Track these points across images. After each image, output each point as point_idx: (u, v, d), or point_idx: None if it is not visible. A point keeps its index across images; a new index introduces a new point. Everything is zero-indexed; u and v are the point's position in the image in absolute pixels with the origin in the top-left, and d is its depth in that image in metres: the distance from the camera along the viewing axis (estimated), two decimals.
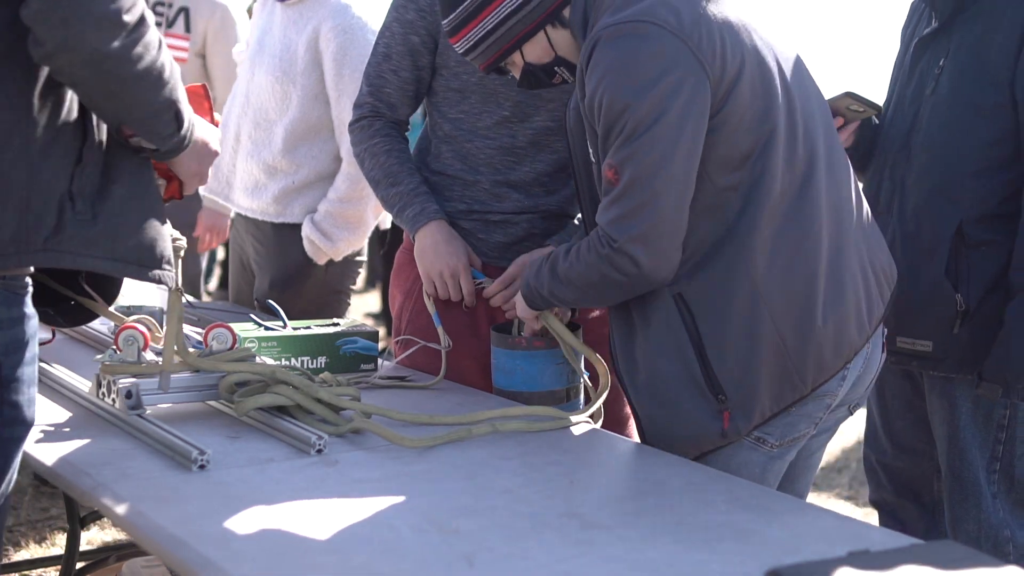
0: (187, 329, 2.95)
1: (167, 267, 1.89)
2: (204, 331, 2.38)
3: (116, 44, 1.67)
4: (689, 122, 2.00)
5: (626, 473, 2.14)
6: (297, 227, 3.43)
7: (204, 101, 2.10)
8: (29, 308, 1.76)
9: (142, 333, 2.28)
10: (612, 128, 2.03)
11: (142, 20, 1.71)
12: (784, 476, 2.26)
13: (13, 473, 1.81)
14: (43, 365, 2.44)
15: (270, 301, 2.87)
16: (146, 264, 1.85)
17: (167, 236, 1.89)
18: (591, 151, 2.17)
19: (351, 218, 3.40)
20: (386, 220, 4.42)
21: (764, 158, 2.06)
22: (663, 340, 2.13)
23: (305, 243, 3.41)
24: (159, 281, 1.87)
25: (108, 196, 1.80)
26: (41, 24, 1.64)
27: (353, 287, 3.63)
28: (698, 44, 2.01)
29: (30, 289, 1.77)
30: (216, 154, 2.04)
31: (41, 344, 2.59)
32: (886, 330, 2.28)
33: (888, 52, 2.94)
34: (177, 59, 4.04)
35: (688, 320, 2.10)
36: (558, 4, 2.22)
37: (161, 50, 1.77)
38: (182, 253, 2.11)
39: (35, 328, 1.78)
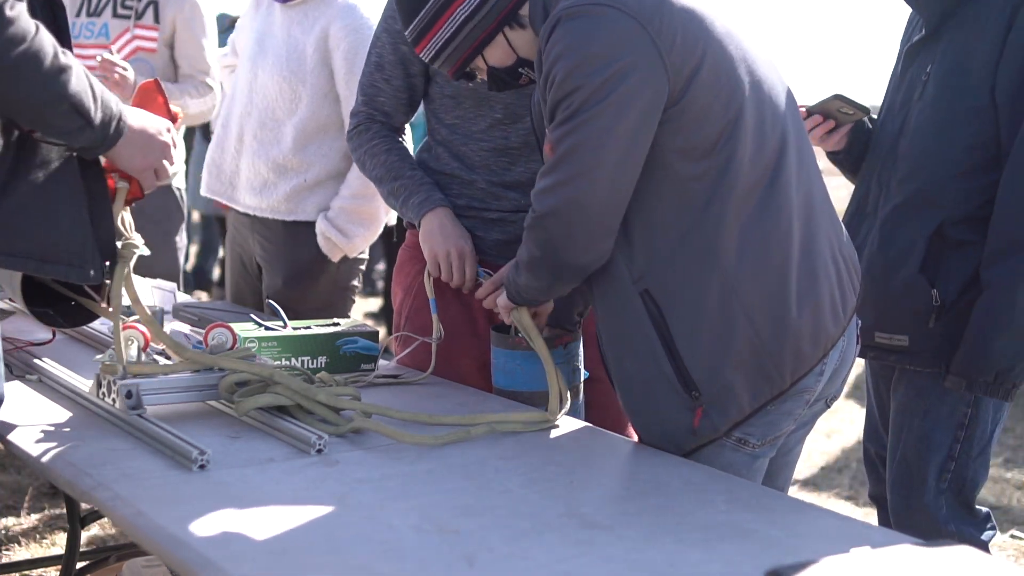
0: (187, 329, 2.95)
1: (77, 263, 1.91)
2: (204, 331, 2.38)
3: None
4: (634, 107, 1.99)
5: (626, 473, 2.14)
6: (309, 225, 3.45)
7: (157, 95, 2.11)
8: None
9: (142, 333, 2.28)
10: (559, 104, 2.03)
11: (1, 9, 1.71)
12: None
13: None
14: (43, 364, 2.45)
15: (270, 301, 2.87)
16: (49, 260, 1.87)
17: (82, 233, 1.89)
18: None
19: (365, 214, 3.42)
20: (391, 218, 4.43)
21: (730, 148, 2.04)
22: (633, 337, 2.12)
23: (320, 240, 3.43)
24: (65, 277, 1.89)
25: (11, 192, 1.81)
26: None
27: (356, 285, 3.64)
28: (657, 30, 2.00)
29: None
30: (168, 145, 2.04)
31: (41, 344, 2.61)
32: (859, 322, 2.29)
33: (878, 57, 2.98)
34: (146, 49, 4.03)
35: (656, 316, 2.08)
36: (512, 6, 2.22)
37: (35, 42, 1.76)
38: (135, 251, 2.10)
39: None
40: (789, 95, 2.20)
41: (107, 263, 1.99)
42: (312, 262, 3.48)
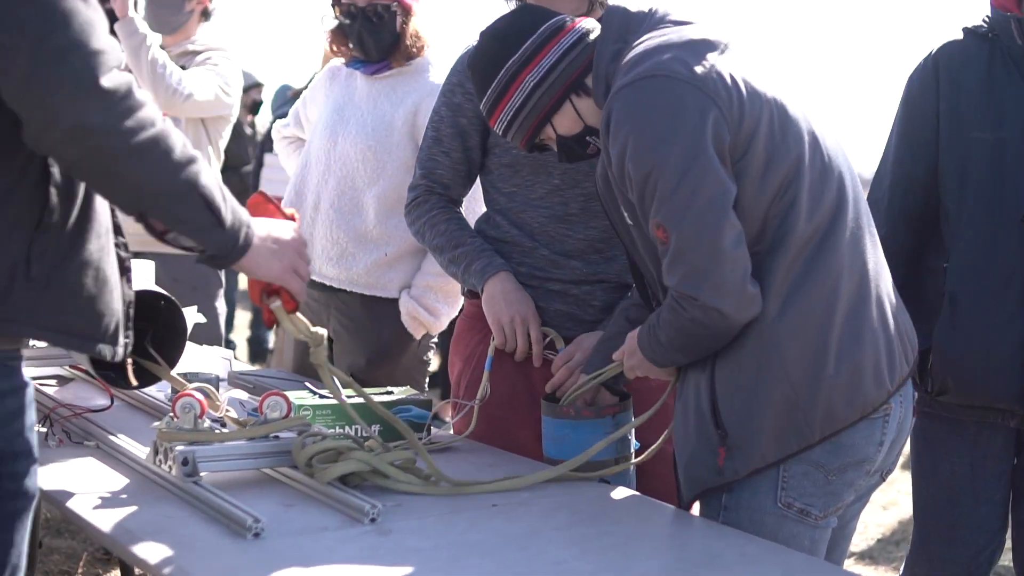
0: (243, 396, 2.97)
1: (111, 343, 1.85)
2: (260, 399, 2.39)
3: (99, 116, 1.66)
4: (714, 161, 2.02)
5: (680, 544, 2.12)
6: (390, 301, 3.43)
7: (267, 204, 2.07)
8: (21, 378, 1.77)
9: (199, 401, 2.31)
10: (644, 189, 2.07)
11: (129, 92, 1.70)
12: None
13: (22, 547, 1.79)
14: (101, 431, 2.47)
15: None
16: (90, 337, 1.83)
17: (117, 310, 1.85)
18: (626, 214, 2.19)
19: (450, 291, 3.40)
20: None
21: (786, 203, 2.07)
22: (691, 370, 2.19)
23: (406, 319, 3.40)
24: (100, 355, 1.84)
25: (68, 263, 1.78)
26: (22, 107, 1.65)
27: (431, 357, 3.61)
28: (714, 91, 2.04)
29: (23, 358, 1.79)
30: (302, 242, 2.01)
31: (99, 411, 2.64)
32: (916, 394, 2.28)
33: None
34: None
35: (711, 355, 2.14)
36: (579, 73, 2.26)
37: (163, 127, 1.74)
38: (323, 345, 2.15)
39: (31, 397, 1.78)
40: (846, 159, 2.21)
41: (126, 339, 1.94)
42: (396, 340, 3.45)
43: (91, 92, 1.66)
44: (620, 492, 2.31)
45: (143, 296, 2.32)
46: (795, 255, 2.08)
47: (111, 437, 2.43)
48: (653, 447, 2.44)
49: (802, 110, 2.15)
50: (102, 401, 2.72)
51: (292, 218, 2.07)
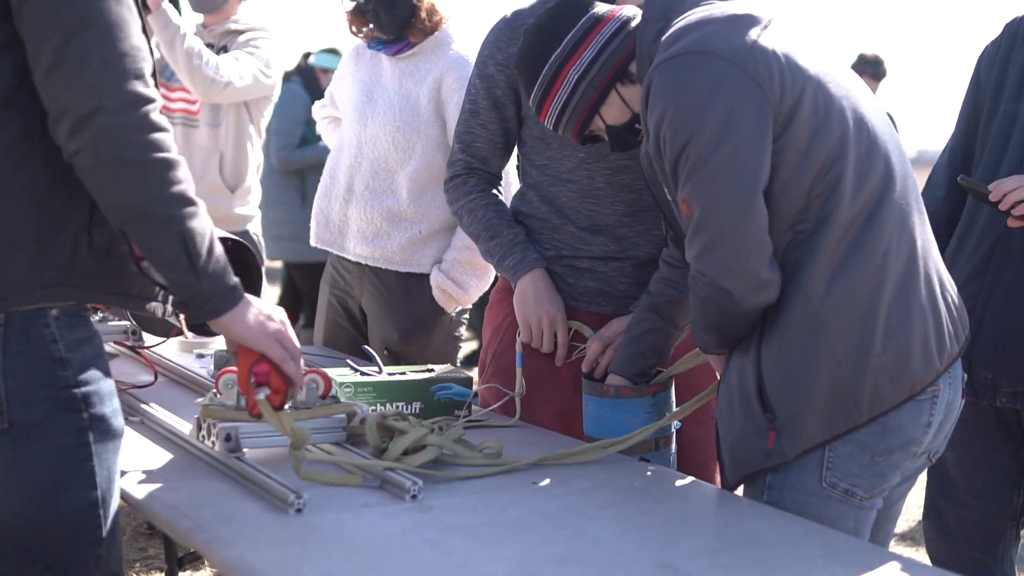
0: None
1: (162, 301, 1.94)
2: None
3: (106, 119, 1.71)
4: (751, 144, 2.02)
5: (721, 524, 2.11)
6: (423, 276, 3.47)
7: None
8: (92, 327, 1.87)
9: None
10: (678, 161, 2.06)
11: (146, 108, 1.74)
12: None
13: (117, 481, 1.91)
14: (145, 407, 2.50)
15: (366, 347, 2.90)
16: (146, 297, 1.92)
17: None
18: (666, 191, 2.19)
19: (478, 264, 3.43)
20: None
21: (831, 182, 2.06)
22: (739, 351, 2.18)
23: (435, 292, 3.45)
24: (153, 312, 1.94)
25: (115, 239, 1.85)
26: (42, 96, 1.73)
27: (463, 333, 3.66)
28: (754, 68, 2.03)
29: (91, 310, 1.87)
30: (287, 325, 1.99)
31: (143, 387, 2.66)
32: (966, 375, 2.25)
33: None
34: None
35: (756, 335, 2.13)
36: (622, 62, 2.26)
37: (174, 158, 1.78)
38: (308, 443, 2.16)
39: (100, 345, 1.87)
40: (893, 135, 2.19)
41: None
42: (428, 314, 3.49)
43: (104, 94, 1.72)
44: (661, 471, 2.30)
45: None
46: (841, 233, 2.06)
47: (155, 413, 2.45)
48: (683, 407, 2.46)
49: (846, 86, 2.13)
50: (146, 377, 2.74)
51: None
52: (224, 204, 4.44)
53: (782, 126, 2.04)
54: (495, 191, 2.82)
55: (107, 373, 1.88)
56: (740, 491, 2.24)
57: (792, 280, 2.09)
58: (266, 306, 1.97)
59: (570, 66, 2.27)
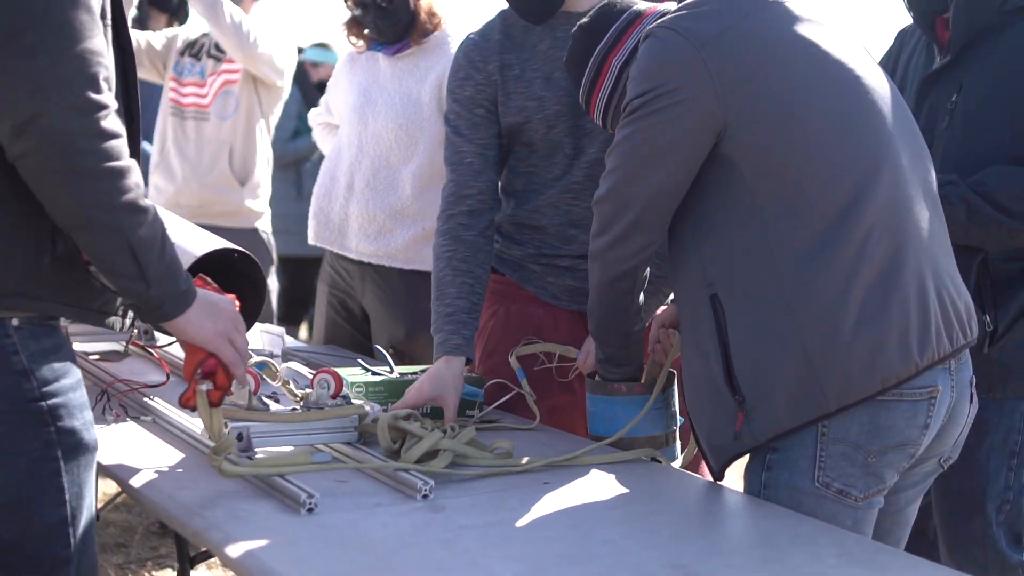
0: (301, 368, 2.99)
1: (120, 315, 1.92)
2: (312, 375, 2.41)
3: (52, 120, 1.66)
4: (677, 124, 2.09)
5: (731, 524, 2.11)
6: (426, 274, 3.46)
7: (206, 286, 2.03)
8: (61, 336, 1.83)
9: (254, 376, 2.32)
10: (625, 109, 2.17)
11: (97, 112, 1.69)
12: (874, 532, 2.21)
13: (92, 498, 1.86)
14: (157, 406, 2.50)
15: (378, 347, 2.90)
16: (103, 312, 1.89)
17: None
18: None
19: None
20: None
21: (798, 168, 2.06)
22: (699, 339, 2.17)
23: None
24: (111, 327, 1.91)
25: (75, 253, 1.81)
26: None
27: None
28: (709, 54, 2.07)
29: (61, 320, 1.84)
30: (238, 318, 1.98)
31: (155, 386, 2.67)
32: (974, 379, 2.23)
33: None
34: (231, 81, 4.47)
35: (720, 319, 2.12)
36: None
37: (126, 164, 1.73)
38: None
39: (71, 354, 1.84)
40: (904, 123, 2.17)
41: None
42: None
43: (49, 96, 1.65)
44: (671, 471, 2.30)
45: (216, 254, 2.37)
46: (817, 217, 2.05)
47: (167, 412, 2.46)
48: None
49: (826, 69, 2.12)
50: (158, 377, 2.75)
51: (235, 297, 2.04)
52: (235, 198, 4.47)
53: (738, 110, 2.06)
54: (472, 236, 2.67)
55: (77, 384, 1.83)
56: (740, 489, 2.23)
57: (764, 264, 2.07)
58: (218, 304, 1.95)
59: (613, 56, 2.32)
